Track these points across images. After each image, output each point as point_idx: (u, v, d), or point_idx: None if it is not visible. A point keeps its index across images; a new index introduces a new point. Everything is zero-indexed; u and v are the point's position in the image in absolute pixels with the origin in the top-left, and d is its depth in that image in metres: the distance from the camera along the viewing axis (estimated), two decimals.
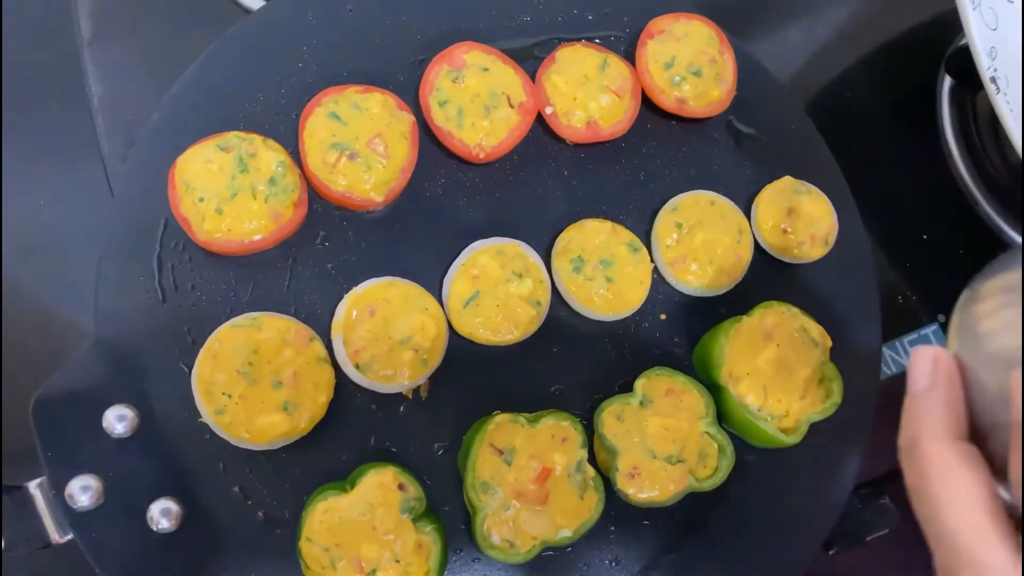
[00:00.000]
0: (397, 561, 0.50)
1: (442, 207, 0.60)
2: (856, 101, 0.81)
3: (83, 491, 0.48)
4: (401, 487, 0.51)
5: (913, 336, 0.72)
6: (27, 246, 0.70)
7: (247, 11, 0.69)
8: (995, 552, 0.30)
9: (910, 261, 0.75)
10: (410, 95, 0.60)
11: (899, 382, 0.69)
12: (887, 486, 0.68)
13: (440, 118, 0.59)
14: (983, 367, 0.32)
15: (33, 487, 0.48)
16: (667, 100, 0.63)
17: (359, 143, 0.57)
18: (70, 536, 0.48)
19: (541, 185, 0.61)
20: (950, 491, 0.31)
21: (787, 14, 0.83)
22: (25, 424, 0.49)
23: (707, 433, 0.55)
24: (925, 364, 0.34)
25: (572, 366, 0.58)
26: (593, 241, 0.59)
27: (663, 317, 0.60)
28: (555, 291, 0.59)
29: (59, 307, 0.67)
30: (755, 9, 0.83)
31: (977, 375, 0.33)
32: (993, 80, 0.68)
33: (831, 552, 0.66)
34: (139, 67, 0.68)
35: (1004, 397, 0.30)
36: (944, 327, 0.72)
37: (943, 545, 0.32)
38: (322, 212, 0.58)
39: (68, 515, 0.48)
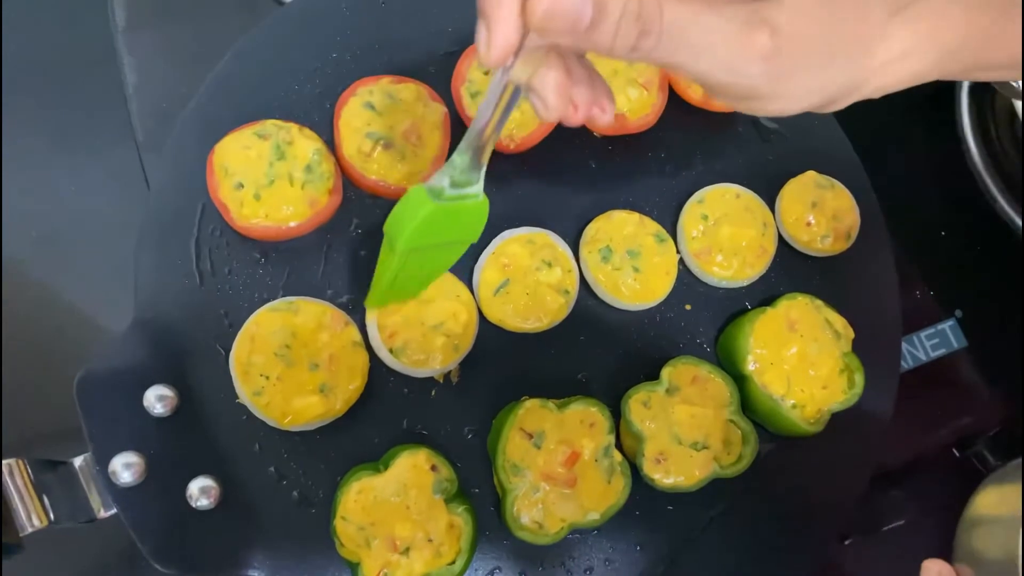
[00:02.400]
0: (430, 540, 0.51)
1: None
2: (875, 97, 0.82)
3: (125, 468, 0.49)
4: (434, 468, 0.52)
5: (930, 331, 0.73)
6: (57, 232, 0.71)
7: (279, 1, 0.70)
8: None
9: (927, 256, 0.76)
10: (442, 86, 0.61)
11: (916, 376, 0.71)
12: (903, 477, 0.69)
13: (472, 109, 0.60)
14: None
15: (78, 463, 0.50)
16: (694, 94, 0.64)
17: (393, 133, 0.58)
18: (113, 511, 0.49)
19: (570, 176, 0.62)
20: None
21: None
22: (69, 403, 0.50)
23: (732, 421, 0.57)
24: None
25: (599, 353, 0.59)
26: (620, 232, 0.60)
27: (688, 307, 0.61)
28: (583, 280, 0.60)
29: (93, 289, 0.68)
30: None
31: None
32: (1014, 79, 0.69)
33: (846, 542, 0.67)
34: (173, 55, 0.70)
35: None
36: (960, 322, 0.73)
37: None
38: (356, 200, 0.59)
39: (112, 491, 0.49)
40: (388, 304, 0.55)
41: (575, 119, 0.40)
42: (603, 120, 0.42)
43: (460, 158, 0.44)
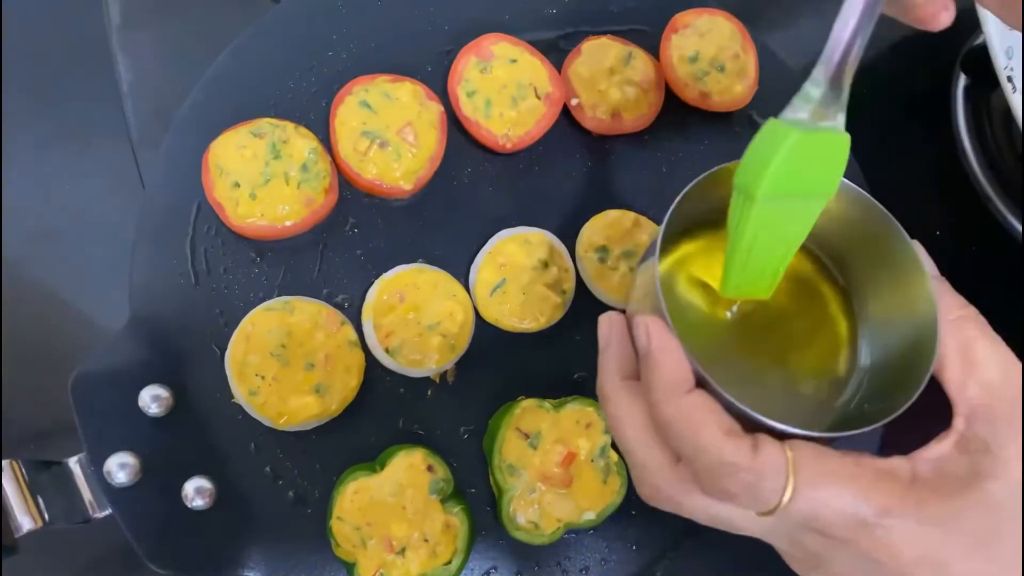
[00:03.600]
0: (426, 540, 0.51)
1: (469, 196, 0.61)
2: (870, 97, 0.81)
3: (121, 468, 0.49)
4: (430, 468, 0.52)
5: None
6: (52, 229, 0.71)
7: None
8: (653, 455, 0.39)
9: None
10: (438, 85, 0.61)
11: None
12: None
13: (468, 108, 0.60)
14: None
15: (73, 463, 0.49)
16: (690, 94, 0.64)
17: (389, 132, 0.58)
18: (108, 512, 0.49)
19: (566, 175, 0.62)
20: (621, 413, 0.40)
21: (800, 8, 0.84)
22: (64, 400, 0.50)
23: None
24: (603, 327, 0.43)
25: (595, 353, 0.58)
26: (617, 231, 0.60)
27: None
28: (579, 280, 0.60)
29: (88, 287, 0.68)
30: (768, 1, 0.83)
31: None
32: (1009, 79, 0.69)
33: None
34: (168, 53, 0.69)
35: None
36: None
37: (626, 457, 0.40)
38: (352, 199, 0.59)
39: (107, 491, 0.49)
40: (743, 294, 0.45)
41: (932, 7, 0.40)
42: (946, 20, 0.41)
43: (814, 87, 0.39)
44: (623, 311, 0.57)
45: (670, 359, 0.37)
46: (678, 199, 0.42)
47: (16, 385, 0.66)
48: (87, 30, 0.71)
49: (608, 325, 0.43)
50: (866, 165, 0.68)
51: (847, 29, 0.38)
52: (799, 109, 0.40)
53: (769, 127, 0.39)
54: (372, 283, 0.56)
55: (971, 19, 0.65)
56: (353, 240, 0.58)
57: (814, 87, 0.40)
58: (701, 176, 0.42)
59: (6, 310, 0.67)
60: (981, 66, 0.75)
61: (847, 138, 0.39)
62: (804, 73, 0.75)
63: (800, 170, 0.39)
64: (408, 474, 0.52)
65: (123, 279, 0.56)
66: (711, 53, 0.64)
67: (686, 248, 0.47)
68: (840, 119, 0.40)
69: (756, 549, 0.58)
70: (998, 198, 0.76)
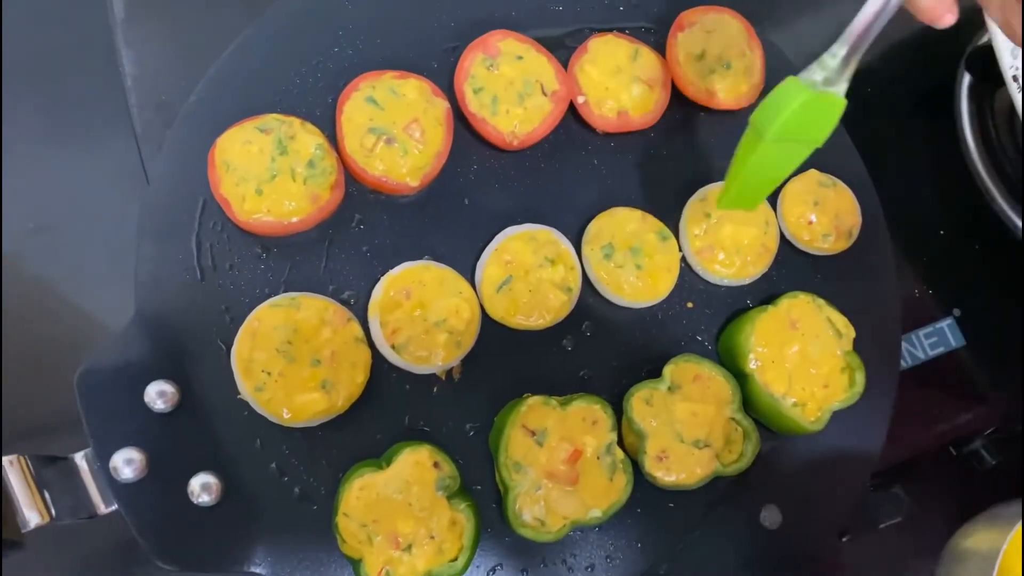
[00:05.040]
0: (432, 537, 0.51)
1: (475, 193, 0.60)
2: (875, 96, 0.82)
3: (127, 464, 0.49)
4: (436, 465, 0.52)
5: (928, 329, 0.73)
6: (56, 225, 0.71)
7: None
8: None
9: (926, 256, 0.76)
10: (443, 81, 0.61)
11: (914, 374, 0.71)
12: (901, 476, 0.69)
13: (475, 105, 0.60)
14: None
15: (79, 458, 0.49)
16: (697, 92, 0.64)
17: (396, 128, 0.57)
18: (114, 507, 0.49)
19: (572, 173, 0.62)
20: None
21: (804, 6, 0.83)
22: (69, 396, 0.50)
23: (733, 419, 0.57)
24: None
25: (601, 351, 0.59)
26: (623, 229, 0.60)
27: (690, 305, 0.61)
28: (585, 277, 0.60)
29: (92, 283, 0.68)
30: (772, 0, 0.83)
31: None
32: (1015, 79, 0.69)
33: (844, 539, 0.67)
34: (172, 47, 0.69)
35: None
36: (959, 321, 0.74)
37: None
38: (358, 195, 0.59)
39: (112, 487, 0.49)
40: (734, 208, 0.57)
41: (940, 9, 0.46)
42: (949, 20, 0.48)
43: (831, 58, 0.47)
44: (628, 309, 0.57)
45: None
46: None
47: (19, 380, 0.65)
48: (90, 23, 0.71)
49: None
50: (870, 164, 0.68)
51: (866, 17, 0.45)
52: (815, 72, 0.48)
53: (789, 82, 0.48)
54: (378, 280, 0.56)
55: (974, 18, 0.65)
56: (359, 236, 0.58)
57: (831, 58, 0.47)
58: None
59: (7, 304, 0.67)
60: (985, 65, 0.75)
61: (844, 102, 0.49)
62: None
63: (802, 121, 0.48)
64: (414, 471, 0.52)
65: (126, 274, 0.55)
66: (718, 51, 0.64)
67: None
68: (843, 87, 0.48)
69: (759, 549, 0.59)
70: (1001, 197, 0.76)
